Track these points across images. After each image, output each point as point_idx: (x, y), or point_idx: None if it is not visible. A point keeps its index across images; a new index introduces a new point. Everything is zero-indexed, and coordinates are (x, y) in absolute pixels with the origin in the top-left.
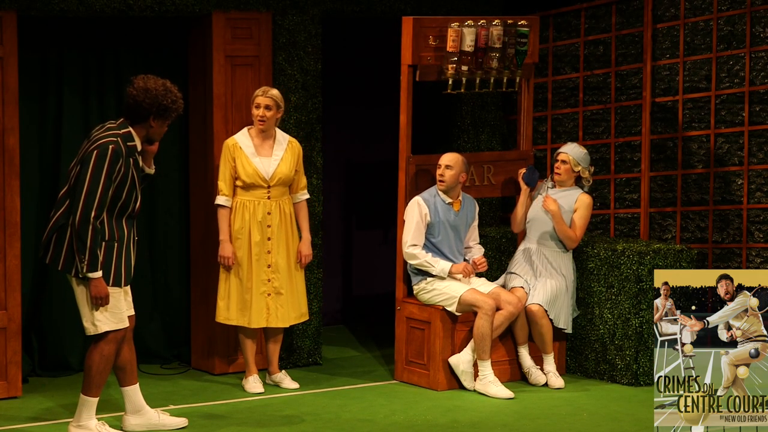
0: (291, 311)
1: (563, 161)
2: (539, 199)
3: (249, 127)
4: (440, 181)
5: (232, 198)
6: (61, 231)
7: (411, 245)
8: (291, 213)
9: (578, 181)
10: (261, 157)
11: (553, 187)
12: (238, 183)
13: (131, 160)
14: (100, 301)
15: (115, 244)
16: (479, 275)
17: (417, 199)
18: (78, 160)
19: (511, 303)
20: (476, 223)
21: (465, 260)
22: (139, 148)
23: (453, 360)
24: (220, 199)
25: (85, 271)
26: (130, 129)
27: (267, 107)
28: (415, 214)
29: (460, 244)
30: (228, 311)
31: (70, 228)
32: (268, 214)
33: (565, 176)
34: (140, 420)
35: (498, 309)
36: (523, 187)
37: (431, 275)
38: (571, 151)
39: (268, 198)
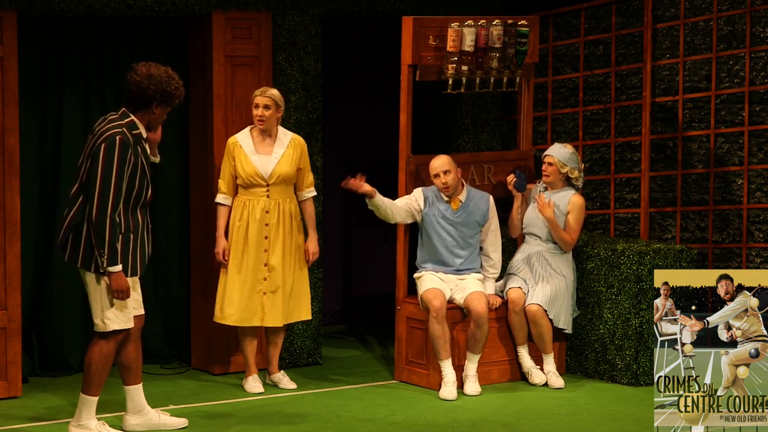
0: (287, 310)
1: (549, 163)
2: (534, 203)
3: (251, 126)
4: (445, 188)
5: (233, 197)
6: (77, 229)
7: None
8: (293, 212)
9: (569, 181)
10: (260, 156)
11: (546, 189)
12: (238, 182)
13: (139, 148)
14: (121, 295)
15: (131, 235)
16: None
17: (417, 189)
18: (86, 155)
19: (477, 305)
20: (492, 226)
21: (480, 265)
22: (144, 135)
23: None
24: (218, 198)
25: (105, 265)
26: (133, 117)
27: (266, 107)
28: (410, 195)
29: (465, 244)
30: (223, 311)
31: (86, 224)
32: (266, 212)
33: (553, 178)
34: (141, 420)
35: (469, 309)
36: (515, 193)
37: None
38: (556, 153)
39: (267, 196)
